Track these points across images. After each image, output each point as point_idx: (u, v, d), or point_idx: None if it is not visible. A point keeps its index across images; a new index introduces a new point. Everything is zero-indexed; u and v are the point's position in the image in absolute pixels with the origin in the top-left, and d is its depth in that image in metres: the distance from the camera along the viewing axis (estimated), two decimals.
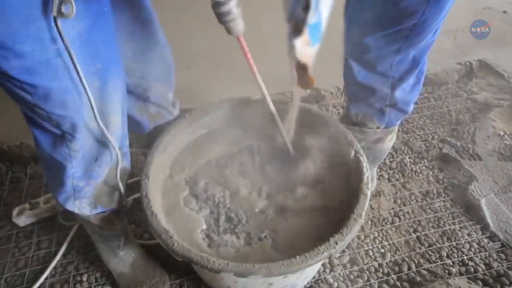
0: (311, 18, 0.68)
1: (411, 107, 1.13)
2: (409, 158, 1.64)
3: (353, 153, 1.06)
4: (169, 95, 1.32)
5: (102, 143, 0.89)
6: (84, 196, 0.96)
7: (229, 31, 0.80)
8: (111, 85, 0.84)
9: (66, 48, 0.66)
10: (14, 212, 1.38)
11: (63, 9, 0.61)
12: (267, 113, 1.21)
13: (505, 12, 2.41)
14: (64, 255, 1.33)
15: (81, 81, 0.72)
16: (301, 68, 0.82)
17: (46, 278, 1.27)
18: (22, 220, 1.38)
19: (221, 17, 0.76)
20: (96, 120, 0.81)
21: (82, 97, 0.77)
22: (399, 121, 1.19)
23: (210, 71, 1.86)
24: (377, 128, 1.17)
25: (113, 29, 0.84)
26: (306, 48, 0.74)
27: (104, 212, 1.05)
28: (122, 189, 1.02)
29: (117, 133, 0.92)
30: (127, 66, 1.10)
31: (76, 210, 0.98)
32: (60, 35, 0.64)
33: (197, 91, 1.72)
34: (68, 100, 0.74)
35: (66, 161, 0.86)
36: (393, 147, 1.64)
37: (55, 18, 0.62)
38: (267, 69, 1.91)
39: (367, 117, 1.15)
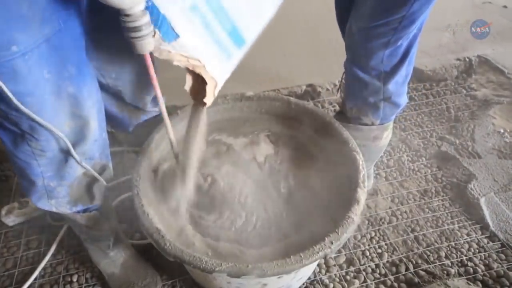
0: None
1: (405, 99, 1.15)
2: (407, 156, 1.63)
3: (349, 150, 1.05)
4: (145, 98, 1.28)
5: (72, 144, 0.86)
6: (59, 196, 0.93)
7: (135, 49, 0.73)
8: (85, 89, 0.82)
9: (22, 52, 0.65)
10: (3, 211, 1.36)
11: None
12: (260, 109, 1.19)
13: (505, 7, 2.39)
14: (53, 255, 1.31)
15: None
16: (199, 78, 0.80)
17: (35, 279, 1.25)
18: (11, 219, 1.36)
19: (130, 33, 0.70)
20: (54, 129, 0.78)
21: (42, 101, 0.74)
22: (394, 116, 1.19)
23: None
24: (372, 124, 1.17)
25: (82, 32, 0.81)
26: (162, 45, 0.74)
27: (89, 211, 1.03)
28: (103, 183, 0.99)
29: (93, 137, 0.89)
30: (102, 67, 1.09)
31: (54, 209, 0.96)
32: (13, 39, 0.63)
33: None
34: (24, 103, 0.71)
35: (30, 158, 0.84)
36: (390, 144, 1.63)
37: None
38: (262, 66, 1.90)
39: (362, 112, 1.15)
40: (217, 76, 0.82)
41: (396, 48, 0.97)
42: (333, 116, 1.16)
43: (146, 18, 0.69)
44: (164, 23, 0.71)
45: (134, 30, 0.69)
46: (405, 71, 1.05)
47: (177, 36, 0.74)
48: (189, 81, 0.83)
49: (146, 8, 0.69)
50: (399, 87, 1.08)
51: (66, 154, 0.86)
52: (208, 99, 0.84)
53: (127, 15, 0.68)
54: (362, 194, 0.94)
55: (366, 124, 1.17)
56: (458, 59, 2.01)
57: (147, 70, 0.79)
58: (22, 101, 0.70)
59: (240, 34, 0.79)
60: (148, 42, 0.72)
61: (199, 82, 0.83)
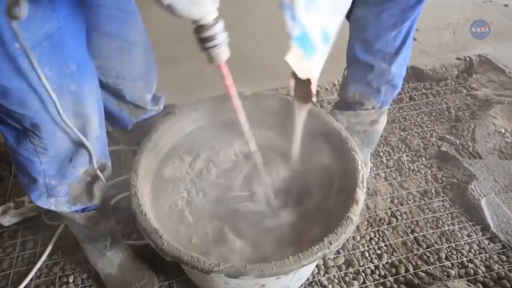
0: (292, 30, 0.71)
1: (401, 82, 1.19)
2: (407, 156, 1.62)
3: (347, 150, 1.04)
4: (146, 96, 1.29)
5: (77, 144, 0.88)
6: (58, 195, 0.94)
7: (210, 59, 0.74)
8: (86, 87, 0.83)
9: (24, 49, 0.66)
10: None
11: (13, 11, 0.60)
12: (258, 109, 1.19)
13: (506, 5, 2.38)
14: (49, 255, 1.30)
15: (43, 83, 0.71)
16: (302, 82, 0.85)
17: (31, 280, 1.24)
18: (7, 219, 1.35)
19: (204, 43, 0.70)
20: (65, 123, 0.79)
21: (44, 99, 0.75)
22: (391, 99, 1.23)
23: (202, 66, 1.83)
24: (372, 108, 1.20)
25: (82, 29, 0.83)
26: (302, 62, 0.77)
27: (87, 210, 1.04)
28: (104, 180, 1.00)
29: (95, 134, 0.91)
30: (102, 65, 1.09)
31: (53, 208, 0.96)
32: (17, 36, 0.64)
33: (188, 86, 1.69)
34: (26, 100, 0.74)
35: (32, 156, 0.85)
36: (390, 145, 1.63)
37: (9, 20, 0.62)
38: (260, 65, 1.88)
39: (364, 96, 1.19)
40: (316, 76, 0.87)
41: (400, 29, 1.02)
42: (332, 107, 1.18)
43: (220, 26, 0.69)
44: (307, 39, 0.74)
45: (208, 40, 0.69)
46: (404, 53, 1.09)
47: (315, 50, 0.77)
48: (293, 86, 0.90)
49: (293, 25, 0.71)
50: (400, 68, 1.12)
51: (70, 153, 0.88)
52: (314, 97, 0.92)
53: (199, 26, 0.67)
54: (361, 194, 0.94)
55: (367, 109, 1.20)
56: (459, 58, 2.00)
57: (224, 82, 0.80)
58: (25, 98, 0.72)
59: (327, 34, 0.82)
60: (223, 51, 0.72)
61: (298, 84, 0.89)
